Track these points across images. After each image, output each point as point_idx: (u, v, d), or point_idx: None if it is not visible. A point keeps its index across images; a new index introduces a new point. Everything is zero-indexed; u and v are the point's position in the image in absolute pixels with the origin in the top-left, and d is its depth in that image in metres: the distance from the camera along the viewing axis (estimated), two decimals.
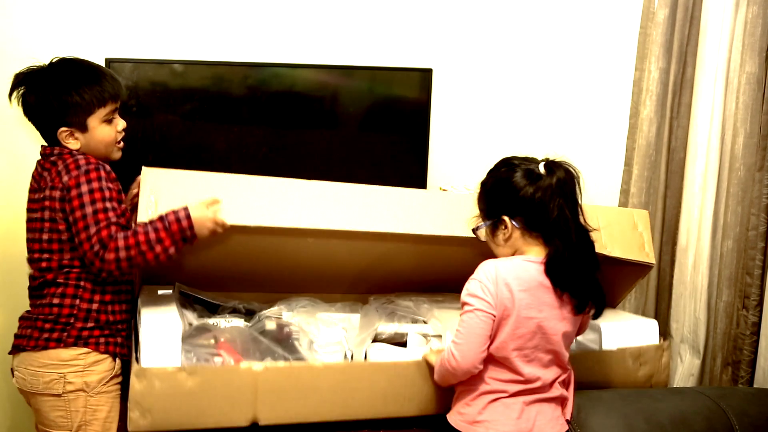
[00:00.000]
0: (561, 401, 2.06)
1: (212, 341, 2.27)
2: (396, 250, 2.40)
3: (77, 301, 2.14)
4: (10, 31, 2.76)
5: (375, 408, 2.16)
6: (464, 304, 1.98)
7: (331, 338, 2.36)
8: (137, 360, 2.09)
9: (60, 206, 2.11)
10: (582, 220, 2.00)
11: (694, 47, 2.88)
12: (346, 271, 2.52)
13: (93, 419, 2.15)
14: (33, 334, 2.15)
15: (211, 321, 2.38)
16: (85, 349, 2.14)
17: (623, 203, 2.99)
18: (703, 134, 2.81)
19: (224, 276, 2.50)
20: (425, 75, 3.01)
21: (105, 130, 2.19)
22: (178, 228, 2.06)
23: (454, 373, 2.00)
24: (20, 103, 2.17)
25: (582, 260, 1.97)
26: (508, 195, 1.99)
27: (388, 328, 2.42)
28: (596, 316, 2.05)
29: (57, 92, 2.13)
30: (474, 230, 2.11)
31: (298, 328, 2.39)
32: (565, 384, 2.07)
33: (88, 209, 2.06)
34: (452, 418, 2.04)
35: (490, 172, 2.08)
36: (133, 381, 2.00)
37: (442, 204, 2.36)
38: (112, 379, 2.19)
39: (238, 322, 2.42)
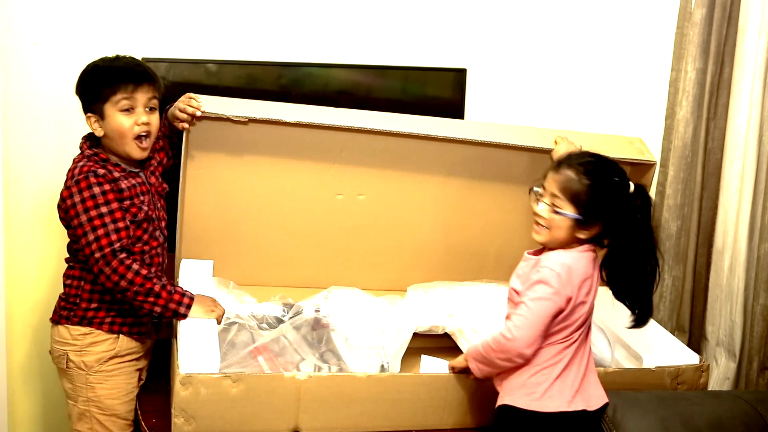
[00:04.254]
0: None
1: (249, 345, 2.30)
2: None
3: (82, 283, 2.25)
4: (50, 33, 2.77)
5: (415, 419, 2.20)
6: (536, 286, 2.03)
7: (368, 342, 2.39)
8: (177, 365, 2.11)
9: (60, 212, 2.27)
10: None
11: (731, 47, 2.85)
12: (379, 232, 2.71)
13: (94, 396, 2.26)
14: (56, 309, 2.33)
15: (248, 312, 2.40)
16: (87, 329, 2.25)
17: (659, 204, 2.97)
18: (741, 135, 2.79)
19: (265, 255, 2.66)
20: (459, 75, 3.01)
21: (120, 120, 2.21)
22: (174, 307, 2.20)
23: (504, 351, 2.02)
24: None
25: (646, 278, 2.10)
26: (616, 208, 2.05)
27: (424, 322, 2.45)
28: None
29: (82, 78, 2.25)
30: (543, 207, 2.09)
31: (335, 326, 2.42)
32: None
33: (83, 218, 2.15)
34: (516, 400, 2.05)
35: (602, 169, 2.09)
36: (178, 388, 2.02)
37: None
38: (112, 359, 2.27)
39: (276, 309, 2.48)
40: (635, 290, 2.11)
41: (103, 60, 2.27)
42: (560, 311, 2.03)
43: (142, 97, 2.22)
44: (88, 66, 2.27)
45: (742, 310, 2.81)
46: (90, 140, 2.29)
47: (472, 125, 2.66)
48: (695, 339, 3.01)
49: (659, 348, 2.44)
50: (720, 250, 2.86)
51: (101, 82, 2.21)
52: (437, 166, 2.66)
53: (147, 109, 2.23)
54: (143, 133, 2.24)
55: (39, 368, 2.93)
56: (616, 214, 2.05)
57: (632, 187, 2.06)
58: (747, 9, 2.77)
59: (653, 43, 3.15)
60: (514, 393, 2.06)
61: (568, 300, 2.03)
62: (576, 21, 3.21)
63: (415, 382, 2.18)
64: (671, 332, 2.94)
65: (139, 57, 2.65)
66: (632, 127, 3.21)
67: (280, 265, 2.66)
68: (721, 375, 2.86)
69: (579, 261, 2.06)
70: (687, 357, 2.41)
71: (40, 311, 2.89)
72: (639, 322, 2.13)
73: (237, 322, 2.33)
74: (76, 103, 2.74)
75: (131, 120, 2.21)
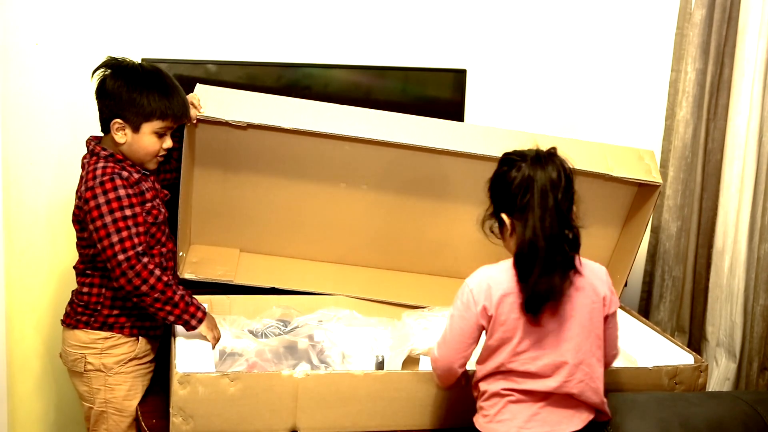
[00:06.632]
0: (582, 402, 2.01)
1: (243, 366, 2.33)
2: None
3: (103, 290, 2.26)
4: (50, 34, 2.78)
5: (413, 418, 2.19)
6: (454, 302, 2.00)
7: (361, 345, 2.42)
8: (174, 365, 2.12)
9: (79, 213, 2.23)
10: (569, 217, 1.92)
11: (731, 48, 2.85)
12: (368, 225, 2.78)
13: (112, 397, 2.28)
14: (70, 313, 2.33)
15: (240, 345, 2.41)
16: (108, 333, 2.27)
17: (659, 205, 2.97)
18: (741, 136, 2.79)
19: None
20: (459, 76, 3.00)
21: (151, 141, 2.25)
22: (188, 318, 2.21)
23: (435, 368, 2.06)
24: (98, 82, 2.25)
25: (553, 258, 1.89)
26: (504, 192, 1.94)
27: (422, 343, 2.45)
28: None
29: (132, 86, 2.20)
30: (482, 226, 2.02)
31: (330, 344, 2.44)
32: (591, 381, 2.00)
33: (108, 219, 2.14)
34: (477, 419, 2.04)
35: (498, 165, 2.01)
36: (176, 387, 2.02)
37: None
38: (131, 360, 2.30)
39: (273, 325, 2.52)
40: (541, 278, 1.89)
41: (159, 82, 2.25)
42: (478, 326, 1.96)
43: (173, 126, 2.31)
44: (142, 76, 2.24)
45: (742, 311, 2.81)
46: (99, 141, 2.29)
47: (475, 133, 2.63)
48: (695, 339, 3.01)
49: (655, 351, 2.43)
50: (720, 250, 2.86)
51: (156, 107, 2.22)
52: (439, 179, 2.71)
53: (170, 134, 2.32)
54: (163, 153, 2.31)
55: (39, 369, 2.93)
56: (504, 196, 1.94)
57: (529, 161, 1.92)
58: (747, 9, 2.77)
59: (653, 44, 3.15)
60: (477, 413, 2.05)
61: (485, 312, 1.94)
62: (576, 21, 3.21)
63: (412, 380, 2.17)
64: (671, 333, 2.95)
65: (139, 57, 2.67)
66: (632, 128, 3.22)
67: (286, 238, 2.79)
68: (721, 375, 2.86)
69: (501, 274, 1.95)
70: (683, 358, 2.40)
71: (41, 312, 2.89)
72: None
73: (231, 354, 2.37)
74: (76, 103, 2.76)
75: (160, 143, 2.27)
